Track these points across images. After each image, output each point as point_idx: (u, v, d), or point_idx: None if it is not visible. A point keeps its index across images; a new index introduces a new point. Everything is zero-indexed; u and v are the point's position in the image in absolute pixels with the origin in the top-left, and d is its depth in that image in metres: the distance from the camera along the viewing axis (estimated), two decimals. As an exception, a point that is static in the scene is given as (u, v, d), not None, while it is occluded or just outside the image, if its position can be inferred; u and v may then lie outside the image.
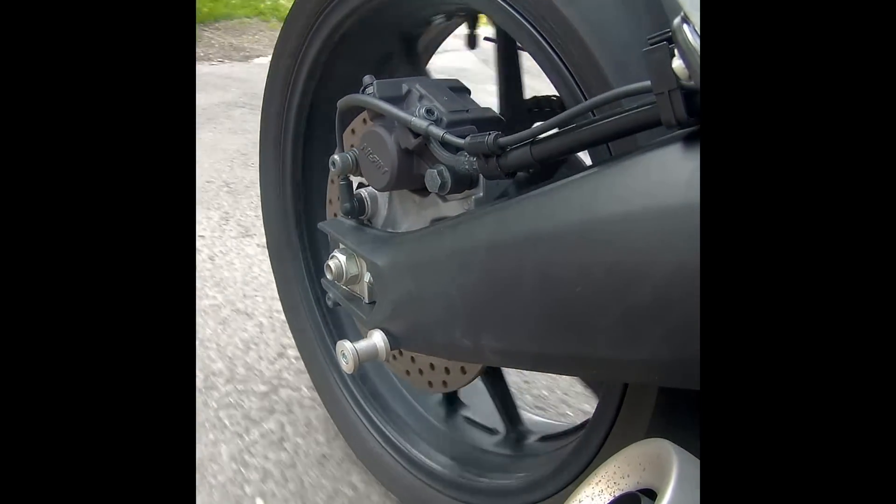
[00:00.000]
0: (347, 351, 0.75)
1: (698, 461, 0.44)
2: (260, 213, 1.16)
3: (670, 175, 0.48)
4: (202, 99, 3.22)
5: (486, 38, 0.88)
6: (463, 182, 0.66)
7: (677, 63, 0.44)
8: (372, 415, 1.04)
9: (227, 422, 1.16)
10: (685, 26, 0.43)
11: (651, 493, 0.43)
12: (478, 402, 1.05)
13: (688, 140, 0.47)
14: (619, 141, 0.57)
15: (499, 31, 0.82)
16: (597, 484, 0.48)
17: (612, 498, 0.46)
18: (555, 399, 1.27)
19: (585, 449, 0.72)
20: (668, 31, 0.45)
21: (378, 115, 0.74)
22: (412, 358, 0.88)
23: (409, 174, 0.72)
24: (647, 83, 0.48)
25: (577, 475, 0.73)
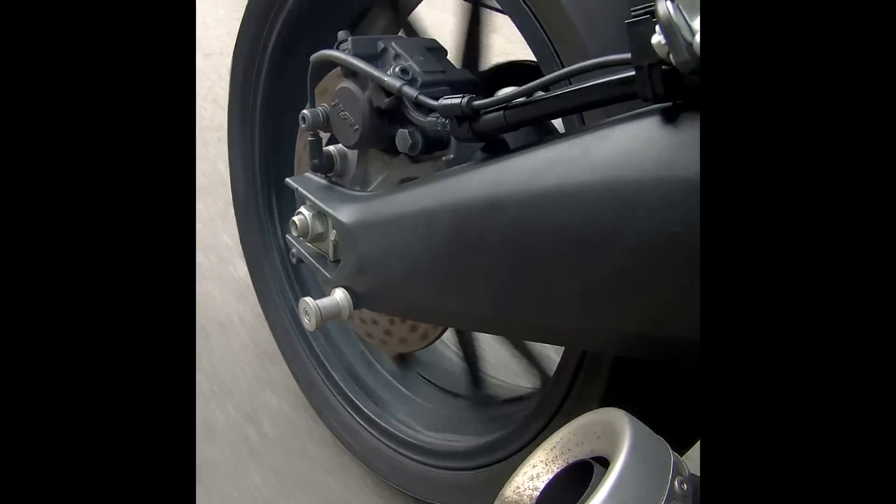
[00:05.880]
0: (310, 308, 0.75)
1: (651, 431, 0.45)
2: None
3: (641, 148, 0.48)
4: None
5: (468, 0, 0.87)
6: (434, 144, 0.66)
7: (657, 39, 0.44)
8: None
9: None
10: (668, 3, 0.43)
11: (604, 462, 0.44)
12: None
13: (661, 115, 0.47)
14: (592, 112, 0.57)
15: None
16: (551, 450, 0.48)
17: (565, 464, 0.47)
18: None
19: (540, 415, 0.73)
20: (652, 5, 0.45)
21: (351, 73, 0.73)
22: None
23: (379, 133, 0.71)
24: (627, 55, 0.47)
25: (531, 441, 0.74)
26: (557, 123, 0.66)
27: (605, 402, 0.65)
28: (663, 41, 0.44)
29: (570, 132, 0.55)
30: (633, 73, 0.47)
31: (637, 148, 0.48)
